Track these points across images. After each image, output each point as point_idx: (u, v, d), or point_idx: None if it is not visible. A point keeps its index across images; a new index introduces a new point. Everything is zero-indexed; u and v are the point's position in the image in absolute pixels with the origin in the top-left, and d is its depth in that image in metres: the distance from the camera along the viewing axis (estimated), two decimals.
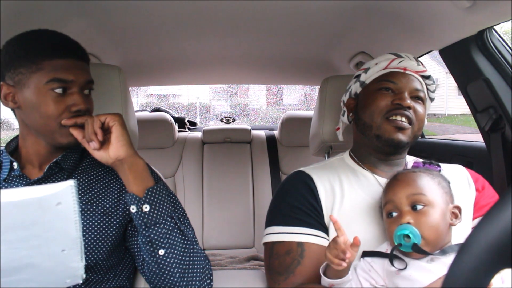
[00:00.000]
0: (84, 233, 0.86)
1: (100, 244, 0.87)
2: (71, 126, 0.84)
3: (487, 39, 1.15)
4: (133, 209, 0.82)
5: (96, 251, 0.87)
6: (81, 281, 0.66)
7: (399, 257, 0.80)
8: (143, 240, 0.83)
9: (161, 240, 0.83)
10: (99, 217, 0.89)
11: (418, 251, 0.77)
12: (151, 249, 0.83)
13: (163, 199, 0.84)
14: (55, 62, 0.83)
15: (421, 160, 0.98)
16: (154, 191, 0.83)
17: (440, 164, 0.95)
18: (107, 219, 0.89)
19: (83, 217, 0.87)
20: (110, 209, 0.90)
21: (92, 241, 0.86)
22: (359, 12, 1.32)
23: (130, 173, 0.84)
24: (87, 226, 0.87)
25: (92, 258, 0.86)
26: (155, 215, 0.82)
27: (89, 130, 0.83)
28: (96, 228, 0.87)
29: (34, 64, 0.82)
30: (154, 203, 0.83)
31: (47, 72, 0.82)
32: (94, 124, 0.83)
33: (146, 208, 0.82)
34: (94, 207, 0.89)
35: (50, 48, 0.83)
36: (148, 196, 0.82)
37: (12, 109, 0.89)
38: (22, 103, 0.84)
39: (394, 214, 0.83)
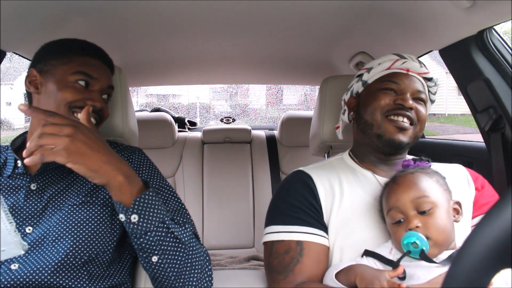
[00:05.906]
0: (84, 224, 0.85)
1: (100, 236, 0.86)
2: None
3: (487, 39, 1.15)
4: (121, 218, 0.77)
5: (96, 242, 0.85)
6: (23, 252, 0.70)
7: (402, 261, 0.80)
8: (136, 247, 0.80)
9: (154, 247, 0.79)
10: (99, 208, 0.88)
11: (425, 259, 0.76)
12: (144, 255, 0.80)
13: (153, 206, 0.78)
14: (85, 59, 0.92)
15: (410, 157, 0.97)
16: (142, 200, 0.77)
17: (439, 163, 0.95)
18: (107, 210, 0.88)
19: (83, 208, 0.86)
20: (110, 200, 0.89)
21: (92, 232, 0.85)
22: (359, 12, 1.32)
23: (111, 191, 0.77)
24: (87, 217, 0.86)
25: (93, 250, 0.84)
26: (144, 224, 0.77)
27: None
28: (96, 220, 0.86)
29: (65, 57, 0.91)
30: (143, 212, 0.76)
31: (75, 65, 0.90)
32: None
33: (134, 218, 0.76)
34: (94, 199, 0.88)
35: (83, 47, 0.94)
36: (136, 206, 0.76)
37: (29, 94, 0.94)
38: (43, 89, 0.90)
39: (402, 220, 0.82)
